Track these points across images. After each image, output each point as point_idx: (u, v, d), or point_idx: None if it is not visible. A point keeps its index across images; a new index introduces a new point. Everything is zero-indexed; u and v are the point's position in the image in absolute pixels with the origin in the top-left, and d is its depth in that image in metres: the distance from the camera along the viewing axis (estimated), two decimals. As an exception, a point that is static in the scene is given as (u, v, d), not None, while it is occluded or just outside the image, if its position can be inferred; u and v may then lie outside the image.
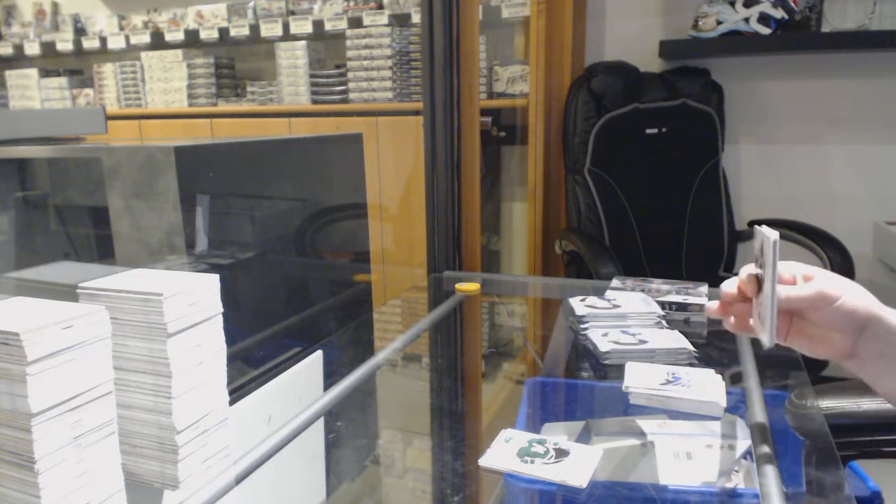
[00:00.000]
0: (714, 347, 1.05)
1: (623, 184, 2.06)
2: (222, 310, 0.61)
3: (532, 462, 0.68)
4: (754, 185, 2.30)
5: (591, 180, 2.04)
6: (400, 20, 2.54)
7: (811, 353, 0.67)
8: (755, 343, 1.05)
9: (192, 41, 2.95)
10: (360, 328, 1.25)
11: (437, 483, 0.77)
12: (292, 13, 2.78)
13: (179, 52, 2.92)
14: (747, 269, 0.67)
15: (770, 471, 0.67)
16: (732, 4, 2.06)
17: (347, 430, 0.88)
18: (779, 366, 0.96)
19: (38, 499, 0.47)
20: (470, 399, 1.04)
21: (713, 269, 2.14)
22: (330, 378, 0.93)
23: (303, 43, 2.67)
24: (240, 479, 0.68)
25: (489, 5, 2.40)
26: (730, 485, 0.74)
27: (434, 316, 1.28)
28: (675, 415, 0.81)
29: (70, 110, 2.61)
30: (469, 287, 1.37)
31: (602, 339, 1.00)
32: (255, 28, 2.79)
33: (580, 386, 0.98)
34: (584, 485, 0.64)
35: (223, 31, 2.86)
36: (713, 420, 0.80)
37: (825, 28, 2.06)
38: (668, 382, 0.84)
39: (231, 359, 0.63)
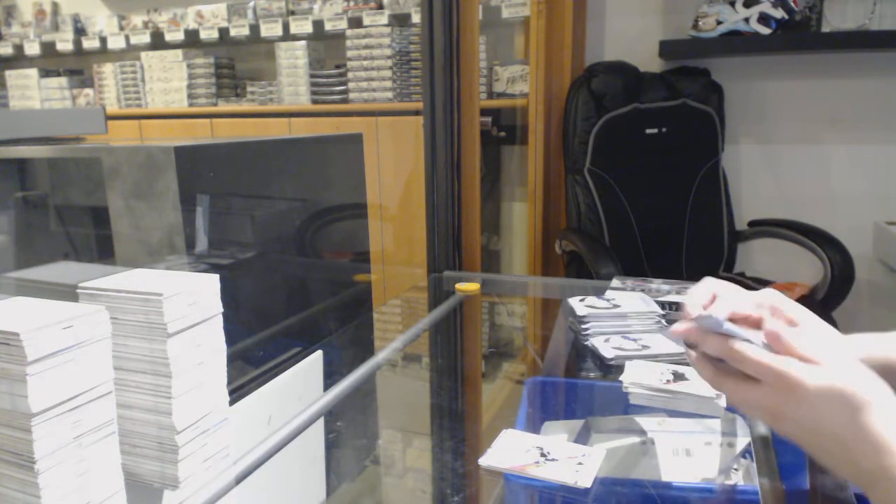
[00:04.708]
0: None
1: (623, 184, 2.06)
2: (222, 310, 0.61)
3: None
4: (754, 185, 2.30)
5: (591, 180, 2.04)
6: (400, 20, 2.54)
7: None
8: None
9: (192, 41, 2.95)
10: (360, 328, 1.25)
11: (437, 483, 0.77)
12: (292, 13, 2.78)
13: (179, 52, 2.92)
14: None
15: (769, 468, 0.67)
16: (732, 4, 2.05)
17: (347, 430, 0.88)
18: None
19: (38, 499, 0.47)
20: (470, 399, 1.04)
21: (713, 269, 2.14)
22: (330, 378, 0.93)
23: (303, 43, 2.66)
24: (240, 479, 0.68)
25: (489, 5, 2.40)
26: (730, 482, 0.74)
27: (434, 316, 1.28)
28: (674, 413, 0.81)
29: (70, 110, 2.61)
30: (469, 287, 1.37)
31: (604, 345, 1.00)
32: (255, 28, 2.79)
33: (580, 385, 0.98)
34: (589, 485, 0.64)
35: (223, 31, 2.86)
36: (713, 418, 0.80)
37: (825, 28, 2.06)
38: (669, 381, 0.84)
39: (231, 359, 0.63)
